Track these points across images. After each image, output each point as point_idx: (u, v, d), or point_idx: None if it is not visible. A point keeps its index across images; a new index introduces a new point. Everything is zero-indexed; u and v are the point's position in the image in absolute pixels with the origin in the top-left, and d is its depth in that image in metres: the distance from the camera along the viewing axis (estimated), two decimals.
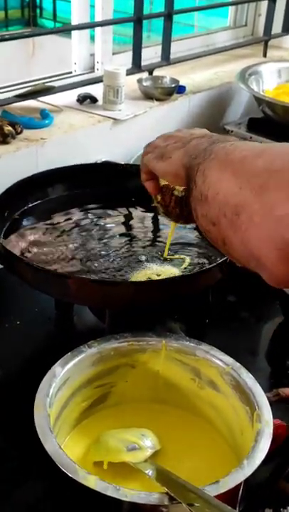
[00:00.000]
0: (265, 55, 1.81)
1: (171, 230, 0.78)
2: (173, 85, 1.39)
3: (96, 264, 0.85)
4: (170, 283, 0.77)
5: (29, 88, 1.21)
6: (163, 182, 0.68)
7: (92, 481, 0.55)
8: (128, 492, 0.55)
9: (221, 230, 0.48)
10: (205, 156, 0.53)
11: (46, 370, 0.68)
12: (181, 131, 0.68)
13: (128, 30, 1.52)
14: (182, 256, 0.89)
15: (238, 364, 0.71)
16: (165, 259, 0.88)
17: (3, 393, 0.86)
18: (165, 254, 0.87)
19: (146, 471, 0.65)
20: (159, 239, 0.94)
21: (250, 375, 0.70)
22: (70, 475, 0.56)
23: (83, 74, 1.46)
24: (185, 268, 0.86)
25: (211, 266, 0.80)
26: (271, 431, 0.63)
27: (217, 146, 0.52)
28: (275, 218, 0.43)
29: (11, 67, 2.30)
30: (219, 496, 0.55)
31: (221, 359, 0.72)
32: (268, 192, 0.44)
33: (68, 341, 0.95)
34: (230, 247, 0.48)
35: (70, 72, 1.48)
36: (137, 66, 1.40)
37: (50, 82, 1.36)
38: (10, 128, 1.07)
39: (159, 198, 0.70)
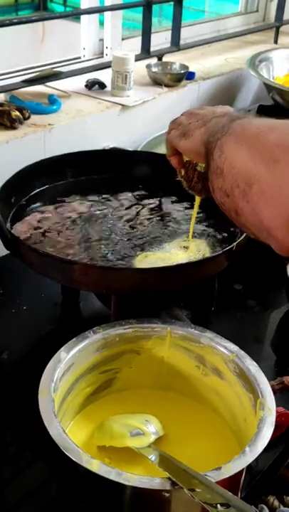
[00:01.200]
0: (276, 42, 1.79)
1: (196, 204, 0.81)
2: (182, 71, 1.38)
3: (102, 250, 0.85)
4: (176, 269, 0.77)
5: (37, 73, 1.21)
6: (186, 157, 0.71)
7: (95, 465, 0.56)
8: (130, 477, 0.55)
9: (235, 201, 0.50)
10: (223, 131, 0.55)
11: (51, 355, 0.69)
12: (205, 108, 0.70)
13: (137, 15, 1.50)
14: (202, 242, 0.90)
15: (242, 352, 0.71)
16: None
17: (9, 378, 0.87)
18: (191, 229, 0.88)
19: (150, 457, 0.65)
20: (166, 224, 0.93)
21: (255, 363, 0.70)
22: (74, 459, 0.57)
23: (92, 59, 1.45)
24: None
25: (216, 253, 0.79)
26: (274, 419, 0.63)
27: (235, 123, 0.55)
28: (286, 194, 0.45)
29: (21, 53, 2.29)
30: (221, 482, 0.56)
31: (225, 346, 0.72)
32: (280, 167, 0.46)
33: (74, 327, 0.96)
34: (243, 217, 0.51)
35: (79, 58, 1.47)
36: (146, 51, 1.39)
37: (59, 67, 1.35)
38: (17, 113, 1.07)
39: (182, 172, 0.73)
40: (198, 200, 0.80)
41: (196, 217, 0.88)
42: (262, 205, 0.47)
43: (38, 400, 0.74)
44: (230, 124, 0.55)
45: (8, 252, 1.05)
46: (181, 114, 0.72)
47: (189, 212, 0.95)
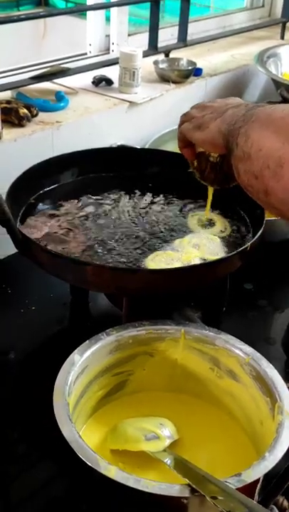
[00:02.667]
0: (282, 37, 1.77)
1: (209, 194, 0.85)
2: (190, 68, 1.36)
3: (112, 249, 0.84)
4: (189, 270, 0.76)
5: (44, 70, 1.19)
6: (199, 149, 0.74)
7: (112, 472, 0.55)
8: (149, 483, 0.54)
9: (264, 181, 0.53)
10: (245, 119, 0.58)
11: (61, 356, 0.68)
12: (216, 101, 0.73)
13: (142, 11, 1.49)
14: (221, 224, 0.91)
15: (258, 354, 0.70)
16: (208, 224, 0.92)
17: (18, 378, 0.86)
18: (207, 214, 0.90)
19: (165, 461, 0.64)
20: (176, 222, 0.92)
21: (271, 366, 0.69)
22: (91, 465, 0.56)
23: (98, 55, 1.44)
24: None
25: (230, 254, 0.78)
26: None
27: (257, 110, 0.58)
28: None
29: (22, 49, 2.26)
30: (240, 489, 0.55)
31: (241, 349, 0.71)
32: None
33: (84, 327, 0.95)
34: (273, 196, 0.53)
35: (85, 54, 1.45)
36: (153, 47, 1.38)
37: (65, 63, 1.34)
38: (25, 110, 1.05)
39: (195, 163, 0.76)
40: (210, 190, 0.83)
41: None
42: None
43: (44, 400, 0.73)
44: (252, 111, 0.58)
45: (16, 251, 1.05)
46: (192, 107, 0.75)
47: (199, 211, 0.94)
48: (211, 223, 0.91)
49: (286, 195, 0.52)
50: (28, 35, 2.64)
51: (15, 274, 1.04)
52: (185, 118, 0.74)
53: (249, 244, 0.78)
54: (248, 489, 0.57)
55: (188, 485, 0.54)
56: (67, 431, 0.59)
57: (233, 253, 0.77)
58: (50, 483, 0.71)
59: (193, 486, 0.53)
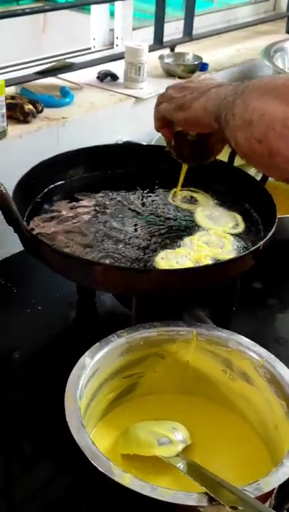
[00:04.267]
0: (288, 31, 1.75)
1: (182, 171, 0.88)
2: (196, 62, 1.34)
3: (121, 248, 0.82)
4: (201, 271, 0.74)
5: (48, 65, 1.17)
6: (177, 128, 0.77)
7: (127, 479, 0.53)
8: (165, 492, 0.52)
9: (269, 144, 0.56)
10: (238, 92, 0.61)
11: (68, 356, 0.67)
12: (193, 81, 0.77)
13: (146, 6, 1.47)
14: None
15: (273, 356, 0.69)
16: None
17: (24, 378, 0.85)
18: (178, 191, 0.93)
19: (178, 466, 0.63)
20: (184, 219, 0.90)
21: (286, 368, 0.67)
22: (104, 472, 0.54)
23: (102, 50, 1.42)
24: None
25: (243, 253, 0.77)
26: None
27: (251, 82, 0.61)
28: None
29: (21, 44, 2.23)
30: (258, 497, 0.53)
31: (254, 351, 0.70)
32: None
33: (90, 327, 0.93)
34: (278, 157, 0.56)
35: (89, 48, 1.43)
36: (158, 42, 1.36)
37: (68, 58, 1.32)
38: (30, 106, 1.03)
39: (172, 142, 0.80)
40: (184, 168, 0.87)
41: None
42: None
43: (47, 400, 0.74)
44: (244, 84, 0.61)
45: (20, 249, 1.03)
46: (169, 88, 0.78)
47: (208, 207, 0.93)
48: (192, 200, 0.94)
49: None
50: (27, 30, 2.61)
51: (20, 273, 1.03)
52: (163, 99, 0.77)
53: (262, 243, 0.76)
54: (265, 496, 0.56)
55: (206, 493, 0.53)
56: (79, 437, 0.57)
57: (246, 253, 0.76)
58: (51, 483, 0.70)
59: (211, 495, 0.51)
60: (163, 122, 0.78)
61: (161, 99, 0.77)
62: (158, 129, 0.80)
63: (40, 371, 0.85)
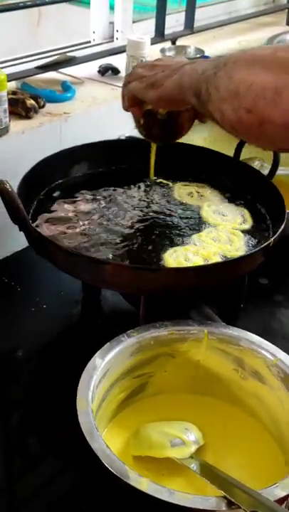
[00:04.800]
0: (288, 23, 1.73)
1: (152, 151, 0.90)
2: (198, 55, 1.33)
3: (129, 245, 0.81)
4: (212, 269, 0.73)
5: (51, 59, 1.15)
6: (147, 107, 0.77)
7: (144, 484, 0.52)
8: (183, 496, 0.51)
9: (259, 113, 0.56)
10: (219, 65, 0.61)
11: (75, 354, 0.66)
12: (162, 59, 0.77)
13: None
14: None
15: (286, 355, 0.68)
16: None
17: (30, 378, 0.84)
18: (151, 174, 0.94)
19: (191, 466, 0.62)
20: (191, 215, 0.89)
21: None
22: (120, 476, 0.53)
23: (102, 43, 1.40)
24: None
25: (254, 250, 0.76)
26: None
27: (233, 55, 0.61)
28: None
29: (16, 37, 2.20)
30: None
31: (267, 349, 0.69)
32: None
33: (96, 325, 0.92)
34: (268, 125, 0.56)
35: (89, 42, 1.41)
36: (160, 35, 1.34)
37: (67, 52, 1.30)
38: (32, 102, 1.01)
39: (142, 121, 0.81)
40: (154, 148, 0.89)
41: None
42: None
43: (51, 399, 0.74)
44: (225, 57, 0.61)
45: (22, 247, 1.02)
46: (137, 66, 0.78)
47: (214, 203, 0.92)
48: (198, 195, 0.94)
49: (286, 118, 0.54)
50: (22, 23, 2.57)
51: (23, 271, 1.01)
52: (132, 77, 0.76)
53: (272, 239, 0.75)
54: (282, 499, 0.55)
55: (224, 497, 0.52)
56: (93, 441, 0.56)
57: (257, 249, 0.75)
58: (51, 483, 0.69)
59: (231, 499, 0.50)
60: (132, 101, 0.78)
61: (130, 77, 0.77)
62: (127, 108, 0.80)
63: (46, 370, 0.84)
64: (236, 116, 0.59)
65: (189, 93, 0.66)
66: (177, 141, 0.87)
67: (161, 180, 0.97)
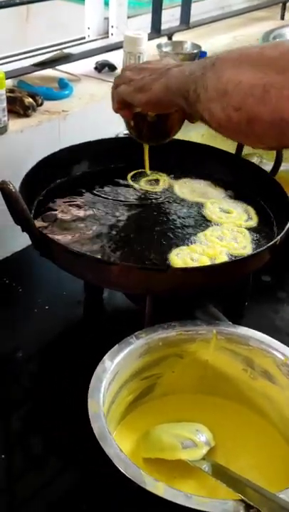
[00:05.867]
0: (282, 18, 1.73)
1: (145, 152, 0.91)
2: (195, 51, 1.32)
3: (134, 245, 0.80)
4: (220, 268, 0.72)
5: (48, 55, 1.13)
6: (136, 109, 0.78)
7: (161, 489, 0.52)
8: (200, 500, 0.51)
9: (248, 109, 0.57)
10: (206, 66, 0.61)
11: (79, 355, 0.65)
12: (150, 62, 0.78)
13: None
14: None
15: None
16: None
17: (32, 378, 0.83)
18: (146, 169, 0.95)
19: (203, 467, 0.61)
20: (195, 215, 0.88)
21: None
22: (136, 481, 0.52)
23: (97, 39, 1.38)
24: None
25: (261, 249, 0.75)
26: None
27: (221, 55, 0.61)
28: None
29: (4, 33, 2.17)
30: None
31: (277, 349, 0.68)
32: None
33: (99, 325, 0.91)
34: (256, 123, 0.56)
35: (83, 38, 1.39)
36: (156, 30, 1.32)
37: (62, 48, 1.28)
38: (30, 100, 1.00)
39: (132, 124, 0.83)
40: (146, 148, 0.90)
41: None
42: (283, 103, 0.54)
43: (51, 400, 0.73)
44: (212, 58, 0.62)
45: (22, 247, 1.01)
46: (125, 69, 0.78)
47: (218, 200, 0.91)
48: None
49: (274, 115, 0.55)
50: (10, 19, 2.54)
51: (23, 272, 1.00)
52: (120, 81, 0.77)
53: (279, 237, 0.75)
54: None
55: (242, 500, 0.51)
56: (107, 446, 0.55)
57: (264, 247, 0.74)
58: (51, 483, 0.69)
59: (250, 503, 0.50)
60: (122, 104, 0.79)
61: (119, 81, 0.78)
62: (117, 110, 0.81)
63: (49, 371, 0.83)
64: (225, 115, 0.59)
65: (177, 95, 0.67)
66: (174, 138, 0.87)
67: (163, 177, 0.96)
